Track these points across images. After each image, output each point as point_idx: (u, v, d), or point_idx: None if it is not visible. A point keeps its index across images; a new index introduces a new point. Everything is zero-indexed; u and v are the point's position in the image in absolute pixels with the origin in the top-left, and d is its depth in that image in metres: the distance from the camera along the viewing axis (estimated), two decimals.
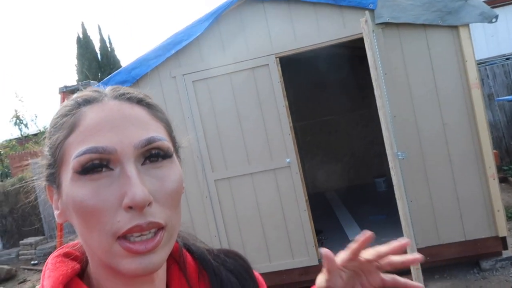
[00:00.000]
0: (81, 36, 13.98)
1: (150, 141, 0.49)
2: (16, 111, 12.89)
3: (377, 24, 3.40)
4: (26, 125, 12.98)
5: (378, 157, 6.22)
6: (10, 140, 13.26)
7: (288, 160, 3.62)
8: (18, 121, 12.90)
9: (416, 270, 2.59)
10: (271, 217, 3.68)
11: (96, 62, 13.84)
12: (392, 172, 2.65)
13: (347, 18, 3.48)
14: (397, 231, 3.62)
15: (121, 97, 0.52)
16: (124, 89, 0.54)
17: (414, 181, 3.48)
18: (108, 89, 0.54)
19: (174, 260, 0.61)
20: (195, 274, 0.61)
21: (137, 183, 0.46)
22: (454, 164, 3.44)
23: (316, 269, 3.69)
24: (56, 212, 0.54)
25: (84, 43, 13.92)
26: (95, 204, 0.46)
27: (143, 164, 0.49)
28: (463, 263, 3.64)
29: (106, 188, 0.47)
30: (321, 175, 6.95)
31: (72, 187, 0.48)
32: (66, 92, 3.91)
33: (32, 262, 7.07)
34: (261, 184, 3.68)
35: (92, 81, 5.74)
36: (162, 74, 3.72)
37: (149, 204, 0.47)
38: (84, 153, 0.47)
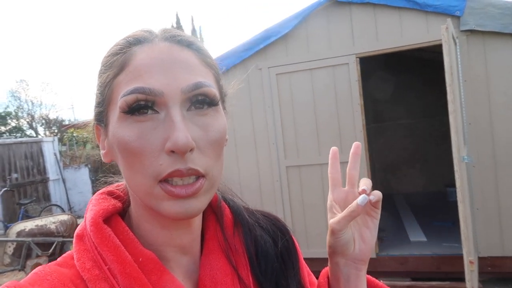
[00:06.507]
0: (174, 25, 15.16)
1: (197, 86, 0.49)
2: None
3: (461, 31, 3.44)
4: None
5: (453, 165, 6.06)
6: None
7: None
8: None
9: (470, 272, 2.68)
10: None
11: None
12: (456, 175, 2.75)
13: (431, 23, 3.56)
14: (460, 239, 3.65)
15: (171, 38, 0.51)
16: (175, 31, 0.53)
17: (484, 189, 3.48)
18: (159, 30, 0.53)
19: (212, 210, 0.62)
20: (231, 227, 0.61)
21: (181, 127, 0.46)
22: None
23: (374, 262, 3.87)
24: (102, 152, 0.55)
25: None
26: (139, 146, 0.47)
27: (188, 109, 0.49)
28: None
29: (151, 131, 0.47)
30: (391, 178, 6.95)
31: (118, 127, 0.49)
32: None
33: None
34: None
35: None
36: (249, 66, 4.12)
37: (191, 150, 0.47)
38: (131, 92, 0.47)
